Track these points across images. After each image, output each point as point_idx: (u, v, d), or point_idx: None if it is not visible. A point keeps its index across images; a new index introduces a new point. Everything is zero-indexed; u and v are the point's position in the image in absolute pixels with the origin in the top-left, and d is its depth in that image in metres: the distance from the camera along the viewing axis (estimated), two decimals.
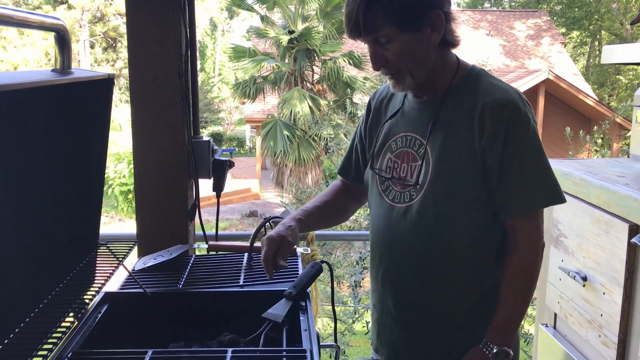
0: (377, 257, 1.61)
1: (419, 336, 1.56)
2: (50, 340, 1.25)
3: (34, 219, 1.27)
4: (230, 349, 1.27)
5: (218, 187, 2.02)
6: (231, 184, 15.90)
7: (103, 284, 1.37)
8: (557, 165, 2.00)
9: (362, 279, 4.68)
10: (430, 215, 1.47)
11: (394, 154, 1.58)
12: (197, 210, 2.01)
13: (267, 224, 1.83)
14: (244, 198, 15.94)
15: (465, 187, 1.45)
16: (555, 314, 2.10)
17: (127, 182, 13.22)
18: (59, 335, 1.28)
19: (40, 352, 1.09)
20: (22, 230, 1.24)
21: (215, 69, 33.28)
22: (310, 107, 12.40)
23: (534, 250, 1.46)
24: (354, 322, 4.13)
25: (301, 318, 1.48)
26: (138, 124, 1.94)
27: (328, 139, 12.01)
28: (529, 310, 3.59)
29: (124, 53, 23.28)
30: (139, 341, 1.49)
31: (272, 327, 1.45)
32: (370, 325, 1.75)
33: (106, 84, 1.44)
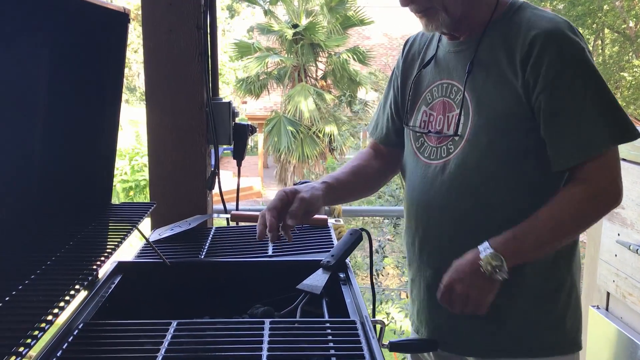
0: (412, 224, 1.42)
1: (465, 316, 1.36)
2: (54, 311, 1.07)
3: (39, 169, 1.09)
4: (267, 320, 1.09)
5: (239, 154, 1.84)
6: (233, 182, 15.74)
7: (114, 248, 1.18)
8: None
9: (383, 268, 4.51)
10: (471, 169, 1.29)
11: (429, 106, 1.40)
12: (216, 178, 1.82)
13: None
14: (246, 196, 15.76)
15: (510, 136, 1.27)
16: (609, 294, 1.92)
17: (128, 179, 13.04)
18: (63, 305, 1.10)
19: (46, 318, 0.91)
20: (26, 183, 1.06)
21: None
22: (315, 102, 12.23)
23: (607, 193, 1.23)
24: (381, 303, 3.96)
25: (343, 289, 1.29)
26: (151, 83, 1.76)
27: (332, 136, 11.87)
28: None
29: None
30: (157, 316, 1.31)
31: (309, 300, 1.28)
32: (409, 305, 1.55)
33: (121, 20, 1.25)
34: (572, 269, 1.35)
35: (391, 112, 1.54)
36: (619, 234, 1.82)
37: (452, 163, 1.32)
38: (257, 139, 18.41)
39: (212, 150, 1.84)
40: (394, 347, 1.41)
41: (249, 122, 1.87)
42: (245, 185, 16.21)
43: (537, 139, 1.25)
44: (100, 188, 1.38)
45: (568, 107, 1.22)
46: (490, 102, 1.28)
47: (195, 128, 1.77)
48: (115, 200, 1.39)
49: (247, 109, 18.06)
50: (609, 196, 1.25)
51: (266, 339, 1.01)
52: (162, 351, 0.96)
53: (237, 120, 1.89)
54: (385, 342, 1.42)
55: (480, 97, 1.29)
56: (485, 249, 1.22)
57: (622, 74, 21.03)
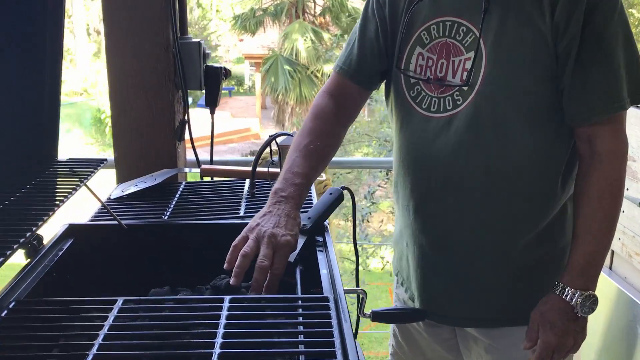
0: (407, 185, 1.26)
1: (463, 281, 1.24)
2: None
3: None
4: (227, 297, 0.95)
5: (212, 100, 1.66)
6: (230, 123, 15.55)
7: (57, 206, 1.03)
8: None
9: (370, 214, 4.37)
10: (484, 125, 1.13)
11: (427, 47, 1.20)
12: (186, 128, 1.65)
13: (274, 142, 1.48)
14: (244, 138, 15.60)
15: (531, 87, 1.11)
16: (613, 253, 1.79)
17: None
18: None
19: None
20: None
21: (212, 4, 32.16)
22: (312, 41, 11.84)
23: (619, 162, 1.14)
24: (367, 257, 3.86)
25: (319, 257, 1.15)
26: (109, 19, 1.56)
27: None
28: None
29: None
30: (112, 286, 1.17)
31: None
32: (398, 266, 1.42)
33: None
34: (565, 230, 1.23)
35: (372, 47, 1.28)
36: (627, 189, 1.66)
37: (460, 118, 1.15)
38: (255, 79, 18.08)
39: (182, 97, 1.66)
40: (377, 316, 1.29)
41: (222, 65, 1.68)
42: (243, 127, 16.02)
43: (561, 87, 1.11)
44: (46, 142, 1.22)
45: (599, 59, 1.09)
46: (509, 47, 1.11)
47: (160, 71, 1.59)
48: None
49: (245, 47, 17.62)
50: (623, 158, 1.14)
51: (223, 321, 0.88)
52: (100, 338, 0.83)
53: (228, 64, 1.70)
54: (368, 311, 1.30)
55: (497, 40, 1.11)
56: (573, 295, 1.14)
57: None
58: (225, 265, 1.04)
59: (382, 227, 5.05)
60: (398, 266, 1.42)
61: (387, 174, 4.89)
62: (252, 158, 1.93)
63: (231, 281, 1.01)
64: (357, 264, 1.39)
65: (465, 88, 1.14)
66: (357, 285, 1.38)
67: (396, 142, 1.29)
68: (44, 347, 0.83)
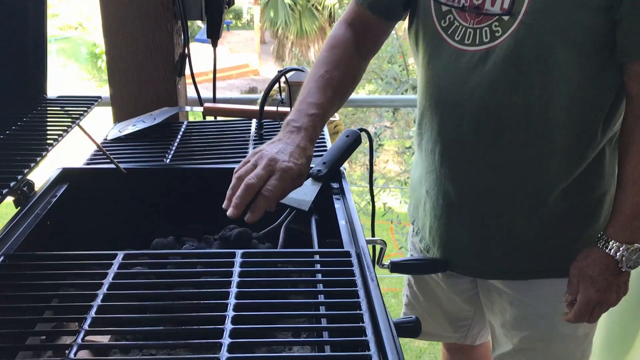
0: (434, 127, 1.15)
1: (491, 231, 1.15)
2: None
3: None
4: (239, 252, 0.85)
5: (214, 32, 1.52)
6: (228, 58, 15.18)
7: (47, 151, 0.93)
8: None
9: (378, 157, 4.26)
10: (527, 60, 1.01)
11: None
12: (187, 62, 1.52)
13: (283, 78, 1.36)
14: (243, 74, 15.25)
15: (581, 16, 0.98)
16: None
17: None
18: None
19: None
20: None
21: None
22: None
23: None
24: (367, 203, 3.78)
25: (336, 205, 1.06)
26: None
27: (332, 9, 11.20)
28: None
29: None
30: (111, 236, 1.08)
31: (295, 217, 1.05)
32: (414, 214, 1.32)
33: None
34: (603, 179, 1.14)
35: None
36: None
37: (498, 52, 1.03)
38: (253, 12, 17.52)
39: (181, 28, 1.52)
40: (396, 267, 1.21)
41: None
42: (241, 63, 15.64)
43: (612, 23, 0.98)
44: (32, 78, 1.09)
45: None
46: None
47: (158, 0, 1.44)
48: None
49: None
50: None
51: (235, 278, 0.79)
52: (99, 299, 0.74)
53: None
54: (386, 261, 1.23)
55: None
56: (617, 249, 1.05)
57: None
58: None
59: (387, 169, 4.94)
60: (414, 214, 1.33)
61: (393, 114, 4.75)
62: (257, 96, 1.81)
63: (228, 212, 0.89)
64: (373, 212, 1.29)
65: (505, 18, 1.01)
66: (373, 235, 1.30)
67: (422, 79, 1.17)
68: (36, 309, 0.75)
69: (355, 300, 0.75)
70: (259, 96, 1.85)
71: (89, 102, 1.09)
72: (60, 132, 0.94)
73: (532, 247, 1.15)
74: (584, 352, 1.24)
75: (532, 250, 1.15)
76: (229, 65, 14.93)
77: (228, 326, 0.68)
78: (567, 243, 1.14)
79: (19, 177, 0.91)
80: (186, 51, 1.52)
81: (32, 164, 0.89)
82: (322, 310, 0.76)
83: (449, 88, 1.10)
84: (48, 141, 0.92)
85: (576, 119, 1.06)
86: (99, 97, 1.12)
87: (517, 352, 1.24)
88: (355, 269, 0.82)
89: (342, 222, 1.00)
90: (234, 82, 14.58)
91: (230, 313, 0.71)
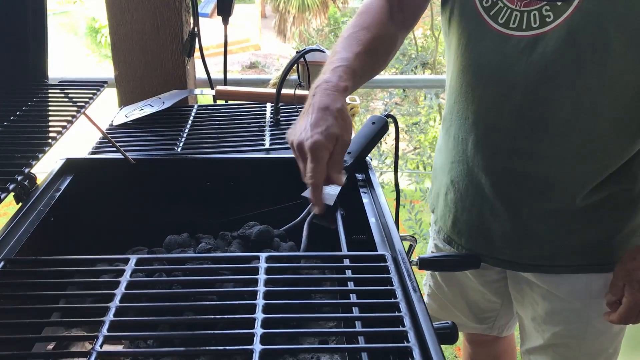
0: (469, 115, 1.06)
1: (526, 224, 1.08)
2: None
3: None
4: (263, 255, 0.77)
5: (226, 7, 1.41)
6: (229, 33, 14.94)
7: (49, 145, 0.84)
8: None
9: (387, 135, 4.14)
10: (581, 50, 0.92)
11: None
12: (196, 41, 1.42)
13: (302, 60, 1.26)
14: (243, 49, 15.02)
15: None
16: None
17: None
18: None
19: None
20: None
21: None
22: None
23: None
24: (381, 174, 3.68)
25: (364, 200, 0.97)
26: None
27: None
28: None
29: None
30: (120, 232, 1.00)
31: None
32: (435, 203, 1.24)
33: None
34: None
35: None
36: None
37: (549, 39, 0.93)
38: None
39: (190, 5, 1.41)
40: (425, 264, 1.13)
41: None
42: (242, 37, 15.39)
43: None
44: (32, 62, 1.00)
45: None
46: None
47: None
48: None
49: None
50: None
51: (261, 288, 0.71)
52: (111, 313, 0.66)
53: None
54: (414, 258, 1.14)
55: None
56: None
57: None
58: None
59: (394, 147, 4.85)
60: (435, 202, 1.25)
61: (404, 90, 4.62)
62: (268, 77, 1.71)
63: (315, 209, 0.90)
64: (398, 204, 1.20)
65: (559, 2, 0.91)
66: (397, 230, 1.21)
67: (457, 63, 1.07)
68: (34, 325, 0.67)
69: (398, 314, 0.67)
70: (270, 77, 1.76)
71: (95, 87, 1.00)
72: (65, 123, 0.85)
73: (568, 240, 1.07)
74: (616, 348, 1.18)
75: (569, 244, 1.08)
76: (229, 40, 14.70)
77: (257, 346, 0.61)
78: (604, 237, 1.07)
79: (19, 177, 0.83)
80: (195, 30, 1.42)
81: (32, 163, 0.80)
82: (359, 327, 0.68)
83: (490, 76, 1.00)
84: (51, 133, 0.83)
85: (629, 115, 0.97)
86: (105, 82, 1.03)
87: (548, 347, 1.18)
88: (393, 276, 0.74)
89: (372, 220, 0.91)
90: (235, 57, 14.37)
91: (258, 330, 0.63)
